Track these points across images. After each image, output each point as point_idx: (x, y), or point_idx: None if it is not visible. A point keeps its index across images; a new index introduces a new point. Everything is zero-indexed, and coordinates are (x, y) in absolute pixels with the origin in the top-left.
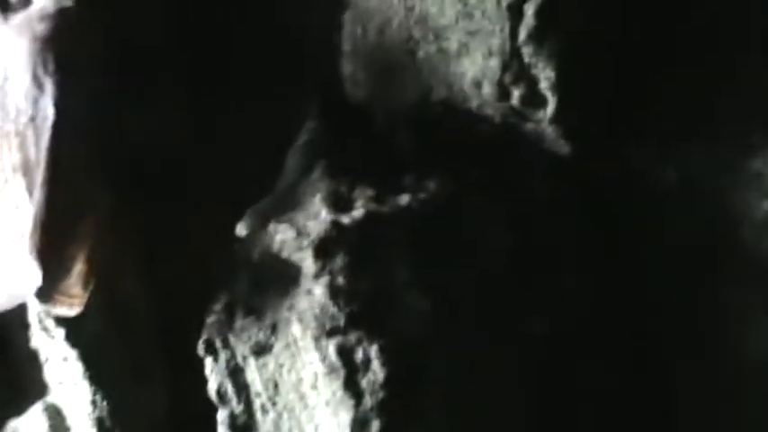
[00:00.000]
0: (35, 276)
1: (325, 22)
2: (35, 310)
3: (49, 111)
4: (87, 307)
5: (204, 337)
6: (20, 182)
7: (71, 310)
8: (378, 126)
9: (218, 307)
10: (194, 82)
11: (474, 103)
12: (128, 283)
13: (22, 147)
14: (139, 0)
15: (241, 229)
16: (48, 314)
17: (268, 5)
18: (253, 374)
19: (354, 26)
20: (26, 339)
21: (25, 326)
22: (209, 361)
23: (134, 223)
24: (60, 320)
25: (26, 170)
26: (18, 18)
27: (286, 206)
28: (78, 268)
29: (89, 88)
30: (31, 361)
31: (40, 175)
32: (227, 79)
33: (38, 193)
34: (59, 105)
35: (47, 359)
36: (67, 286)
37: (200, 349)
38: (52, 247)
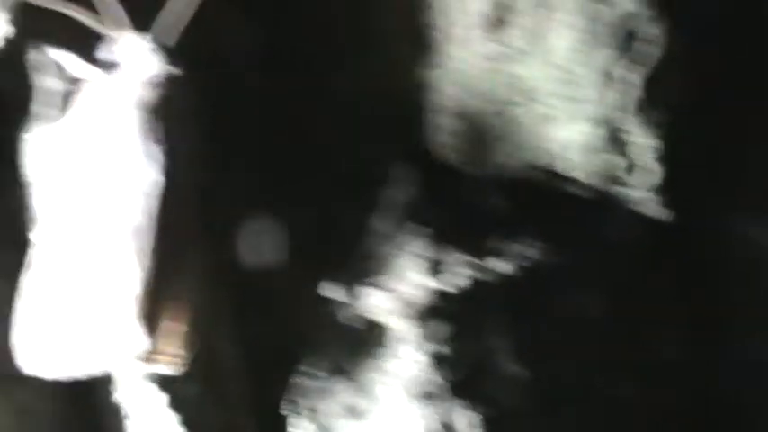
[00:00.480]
0: (141, 339)
1: (416, 81)
2: (130, 369)
3: (153, 176)
4: (186, 365)
5: (293, 397)
6: (125, 247)
7: (172, 368)
8: (470, 187)
9: (308, 368)
10: (284, 141)
11: (573, 170)
12: (221, 343)
13: (126, 212)
14: (236, 66)
15: (334, 294)
16: (149, 376)
17: (355, 65)
18: None
19: (449, 86)
20: (110, 391)
21: (109, 378)
22: (297, 421)
23: (228, 283)
24: (163, 385)
25: (131, 236)
26: (125, 84)
27: (380, 269)
28: (179, 328)
29: (194, 155)
30: (114, 412)
31: (145, 241)
32: (315, 138)
33: (145, 258)
34: (167, 172)
35: (133, 413)
36: (169, 345)
37: (289, 410)
38: (157, 310)
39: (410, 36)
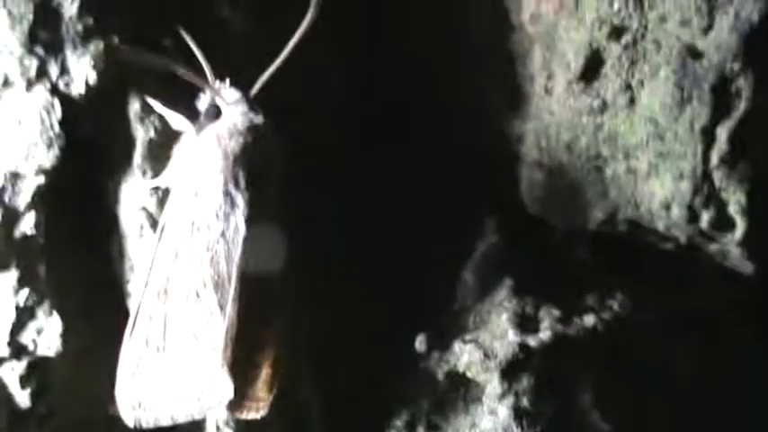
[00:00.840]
0: (226, 388)
1: (504, 131)
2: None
3: (240, 226)
4: (270, 411)
5: None
6: (211, 296)
7: (257, 413)
8: (559, 240)
9: (398, 423)
10: (372, 190)
11: (661, 224)
12: (304, 390)
13: (213, 261)
14: (324, 115)
15: (421, 345)
16: (235, 422)
17: (446, 115)
18: None
19: (538, 138)
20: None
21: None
22: None
23: (311, 330)
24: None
25: (217, 285)
26: (209, 132)
27: (469, 324)
28: (264, 373)
29: (276, 203)
30: None
31: (231, 290)
32: (404, 187)
33: (229, 307)
34: (250, 220)
35: None
36: (254, 391)
37: None
38: (242, 359)
39: (502, 87)
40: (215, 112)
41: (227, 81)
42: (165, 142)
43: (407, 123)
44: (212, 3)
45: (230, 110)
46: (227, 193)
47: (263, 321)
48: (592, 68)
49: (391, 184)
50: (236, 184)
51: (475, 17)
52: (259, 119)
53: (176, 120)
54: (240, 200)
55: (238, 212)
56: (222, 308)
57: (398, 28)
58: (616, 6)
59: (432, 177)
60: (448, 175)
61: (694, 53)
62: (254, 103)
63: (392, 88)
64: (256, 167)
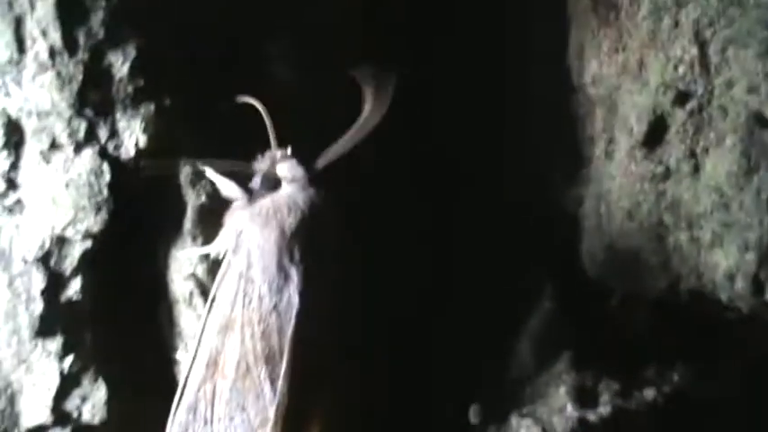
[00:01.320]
0: None
1: (561, 192)
2: None
3: (294, 299)
4: None
5: None
6: (262, 370)
7: None
8: (617, 308)
9: None
10: (427, 259)
11: (724, 295)
12: None
13: (265, 335)
14: (381, 188)
15: (475, 417)
16: None
17: (493, 170)
18: None
19: (597, 203)
20: None
21: None
22: None
23: (360, 399)
24: None
25: (268, 359)
26: (263, 206)
27: (526, 397)
28: None
29: (330, 277)
30: None
31: (282, 365)
32: (459, 252)
33: (281, 382)
34: (304, 294)
35: None
36: None
37: None
38: (296, 429)
39: (561, 148)
40: (272, 181)
41: (289, 150)
42: (216, 208)
43: (458, 179)
44: (262, 61)
45: (290, 183)
46: (281, 267)
47: (313, 396)
48: (655, 134)
49: (442, 246)
50: (291, 258)
51: (535, 75)
52: (320, 195)
53: (227, 187)
54: (294, 273)
55: (292, 286)
56: (273, 382)
57: (454, 83)
58: (681, 71)
59: (483, 238)
60: (500, 236)
61: (762, 121)
62: (314, 179)
63: (445, 144)
64: (313, 242)
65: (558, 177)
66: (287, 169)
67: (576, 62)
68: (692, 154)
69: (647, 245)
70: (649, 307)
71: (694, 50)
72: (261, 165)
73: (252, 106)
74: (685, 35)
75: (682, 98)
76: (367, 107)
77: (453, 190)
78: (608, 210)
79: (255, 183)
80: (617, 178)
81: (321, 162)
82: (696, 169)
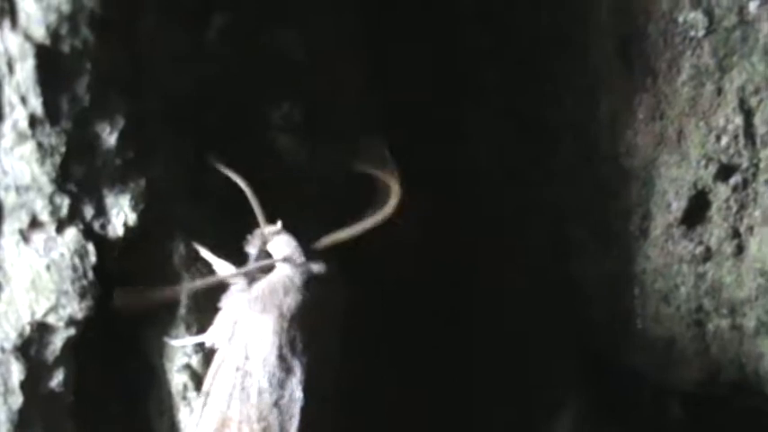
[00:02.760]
0: None
1: (588, 272)
2: None
3: (297, 394)
4: None
5: None
6: None
7: None
8: (650, 396)
9: None
10: (439, 354)
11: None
12: None
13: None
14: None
15: None
16: None
17: (514, 245)
18: None
19: (631, 284)
20: None
21: None
22: None
23: None
24: None
25: None
26: (260, 288)
27: None
28: None
29: (336, 366)
30: None
31: None
32: (480, 349)
33: None
34: (309, 388)
35: None
36: None
37: None
38: None
39: (589, 224)
40: (268, 261)
41: (279, 224)
42: (212, 292)
43: (476, 260)
44: (267, 132)
45: (285, 261)
46: (282, 358)
47: None
48: (696, 211)
49: (462, 330)
50: (293, 348)
51: (560, 144)
52: (318, 268)
53: (224, 268)
54: (297, 365)
55: (295, 380)
56: None
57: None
58: (725, 142)
59: (520, 333)
60: (540, 331)
61: None
62: (311, 252)
63: (461, 219)
64: (316, 327)
65: (586, 254)
66: (279, 247)
67: (608, 131)
68: (736, 233)
69: (685, 332)
70: (687, 397)
71: (739, 120)
72: (252, 245)
73: (254, 179)
74: (729, 103)
75: (725, 172)
76: (380, 199)
77: (470, 285)
78: (642, 292)
79: (250, 265)
80: (652, 258)
81: (321, 244)
82: (740, 250)
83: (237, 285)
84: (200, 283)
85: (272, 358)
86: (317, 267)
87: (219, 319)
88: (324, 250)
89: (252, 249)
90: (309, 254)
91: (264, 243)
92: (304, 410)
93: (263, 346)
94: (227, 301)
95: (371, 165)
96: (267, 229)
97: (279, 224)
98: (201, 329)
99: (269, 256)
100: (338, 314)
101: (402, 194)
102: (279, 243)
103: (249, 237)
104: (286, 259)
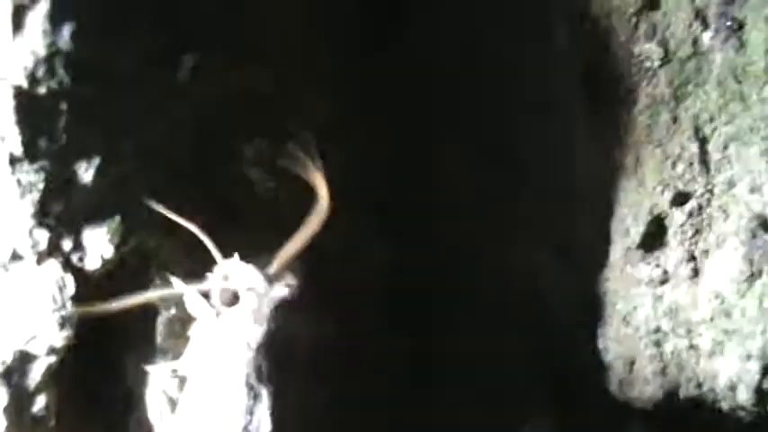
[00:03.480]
0: None
1: (552, 292)
2: None
3: (265, 419)
4: None
5: None
6: None
7: None
8: (613, 416)
9: None
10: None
11: (725, 405)
12: None
13: None
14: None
15: None
16: None
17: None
18: None
19: (592, 306)
20: None
21: None
22: None
23: None
24: None
25: None
26: (231, 318)
27: None
28: None
29: (304, 394)
30: None
31: None
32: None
33: None
34: (276, 416)
35: None
36: None
37: None
38: None
39: (549, 247)
40: (231, 296)
41: (236, 257)
42: (187, 320)
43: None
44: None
45: (248, 292)
46: (249, 386)
47: None
48: (653, 235)
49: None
50: (260, 377)
51: (526, 171)
52: (282, 293)
53: (195, 302)
54: (264, 393)
55: (261, 407)
56: None
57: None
58: (680, 169)
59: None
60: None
61: (765, 223)
62: (271, 277)
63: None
64: (282, 355)
65: (549, 276)
66: (241, 279)
67: (564, 156)
68: (692, 257)
69: (643, 351)
70: (646, 415)
71: (694, 147)
72: (213, 282)
73: (227, 212)
74: (684, 131)
75: (681, 198)
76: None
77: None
78: (603, 313)
79: (215, 302)
80: (611, 281)
81: (275, 268)
82: (695, 273)
83: (206, 315)
84: (181, 284)
85: (241, 386)
86: (280, 292)
87: (190, 347)
88: (280, 272)
89: (211, 286)
90: (270, 279)
91: (225, 278)
92: None
93: (232, 377)
94: (196, 331)
95: (298, 163)
96: (225, 264)
97: (236, 257)
98: (176, 356)
99: (231, 290)
100: (304, 340)
101: (327, 200)
102: (240, 275)
103: (209, 275)
104: (248, 290)
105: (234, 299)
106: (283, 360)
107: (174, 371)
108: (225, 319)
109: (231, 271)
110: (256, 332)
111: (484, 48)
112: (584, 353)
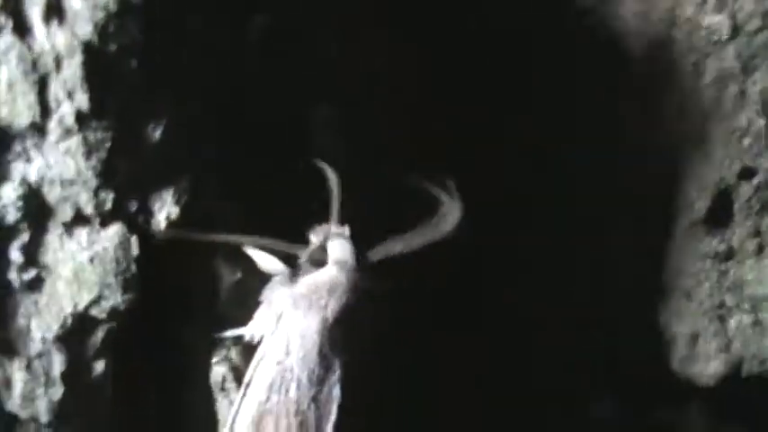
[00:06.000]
0: None
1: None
2: None
3: (335, 391)
4: None
5: None
6: None
7: None
8: (674, 394)
9: None
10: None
11: None
12: None
13: (303, 428)
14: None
15: None
16: None
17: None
18: None
19: (654, 280)
20: None
21: None
22: None
23: None
24: None
25: None
26: (305, 286)
27: None
28: None
29: (373, 365)
30: None
31: None
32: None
33: None
34: (345, 388)
35: None
36: None
37: None
38: None
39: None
40: (319, 258)
41: (347, 229)
42: (253, 285)
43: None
44: (307, 130)
45: (336, 263)
46: (322, 356)
47: None
48: (718, 210)
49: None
50: (333, 347)
51: (583, 146)
52: (364, 283)
53: (266, 260)
54: (336, 363)
55: (334, 377)
56: None
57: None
58: (746, 143)
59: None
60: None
61: None
62: (364, 264)
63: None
64: (356, 330)
65: (612, 255)
66: (337, 248)
67: (632, 131)
68: (758, 232)
69: (708, 327)
70: (709, 392)
71: (761, 122)
72: (313, 238)
73: (298, 179)
74: (752, 105)
75: (747, 172)
76: (438, 217)
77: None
78: (666, 288)
79: (303, 256)
80: (674, 255)
81: (374, 255)
82: (761, 249)
83: (280, 277)
84: (248, 246)
85: (313, 356)
86: (363, 280)
87: (261, 313)
88: (375, 263)
89: (313, 239)
90: (361, 265)
91: (325, 239)
92: (341, 408)
93: (305, 344)
94: (269, 294)
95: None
96: (334, 227)
97: (346, 229)
98: (242, 323)
99: (324, 252)
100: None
101: (462, 213)
102: (337, 245)
103: (314, 228)
104: (338, 262)
105: (321, 263)
106: (356, 333)
107: (239, 337)
108: (303, 283)
109: (333, 237)
110: (334, 304)
111: None
112: (646, 329)
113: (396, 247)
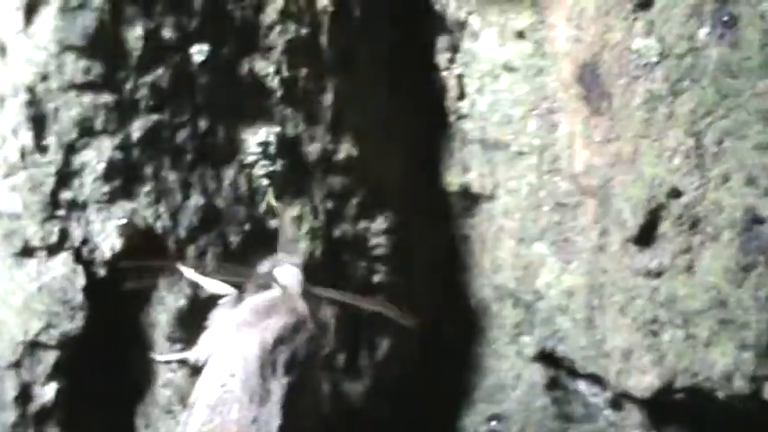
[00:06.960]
0: None
1: (548, 283)
2: None
3: (273, 415)
4: None
5: None
6: None
7: None
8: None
9: None
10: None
11: (721, 395)
12: None
13: None
14: None
15: None
16: None
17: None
18: None
19: (591, 297)
20: None
21: None
22: None
23: None
24: None
25: None
26: (248, 308)
27: None
28: None
29: (315, 390)
30: None
31: None
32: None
33: None
34: (286, 409)
35: None
36: None
37: None
38: None
39: (548, 238)
40: (268, 282)
41: (297, 259)
42: (197, 310)
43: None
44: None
45: (281, 288)
46: (263, 377)
47: None
48: (650, 228)
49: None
50: (274, 371)
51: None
52: (303, 310)
53: (212, 285)
54: (278, 388)
55: (275, 398)
56: None
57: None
58: (676, 162)
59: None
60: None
61: (758, 216)
62: (308, 293)
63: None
64: (297, 354)
65: (545, 267)
66: (286, 274)
67: (567, 151)
68: (688, 249)
69: (641, 341)
70: (644, 404)
71: (690, 142)
72: (262, 267)
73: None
74: (681, 126)
75: (677, 191)
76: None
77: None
78: (600, 303)
79: (252, 281)
80: (609, 272)
81: (319, 292)
82: (692, 265)
83: (226, 299)
84: (191, 273)
85: (255, 378)
86: (304, 306)
87: (206, 336)
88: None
89: (264, 264)
90: (305, 293)
91: (274, 265)
92: (282, 429)
93: (246, 366)
94: (215, 318)
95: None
96: (286, 255)
97: (297, 257)
98: (186, 346)
99: (272, 277)
100: (318, 345)
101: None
102: (286, 270)
103: (265, 261)
104: (283, 287)
105: (267, 289)
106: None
107: (184, 360)
108: (245, 306)
109: (282, 264)
110: (275, 326)
111: None
112: (583, 343)
113: (339, 296)
